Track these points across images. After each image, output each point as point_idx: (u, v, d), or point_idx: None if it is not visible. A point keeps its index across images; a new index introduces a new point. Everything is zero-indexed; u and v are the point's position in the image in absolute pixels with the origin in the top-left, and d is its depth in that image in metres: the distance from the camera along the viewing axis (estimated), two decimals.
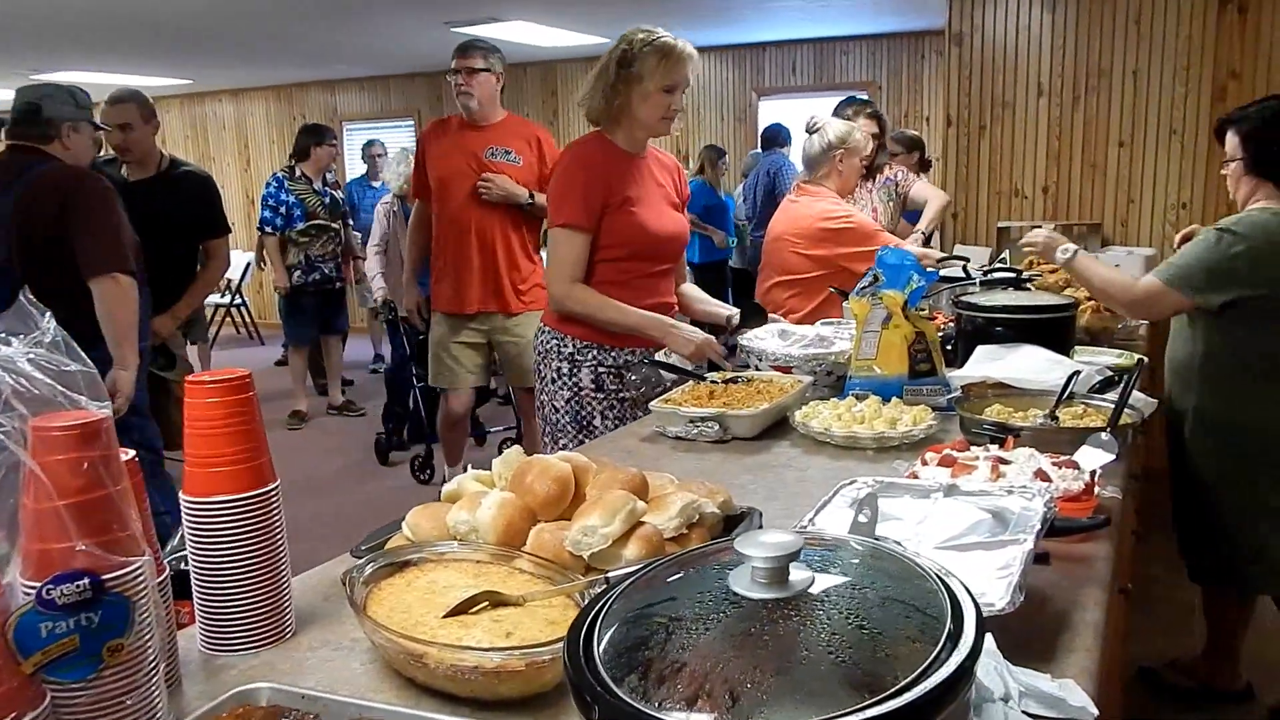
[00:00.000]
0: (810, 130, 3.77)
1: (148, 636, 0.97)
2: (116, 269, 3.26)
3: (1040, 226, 3.41)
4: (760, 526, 1.50)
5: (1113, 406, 2.00)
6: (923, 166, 5.99)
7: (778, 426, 2.32)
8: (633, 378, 2.80)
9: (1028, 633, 1.23)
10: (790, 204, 3.77)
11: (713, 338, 2.77)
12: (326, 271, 7.17)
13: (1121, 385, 2.09)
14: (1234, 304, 2.72)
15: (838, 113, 4.76)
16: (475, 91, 4.31)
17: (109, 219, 3.32)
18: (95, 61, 9.05)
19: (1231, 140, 2.84)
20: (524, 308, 4.51)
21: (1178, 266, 2.76)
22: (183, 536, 1.23)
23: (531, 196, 4.35)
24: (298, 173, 7.05)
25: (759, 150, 8.60)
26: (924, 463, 1.76)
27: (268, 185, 7.03)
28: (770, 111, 9.57)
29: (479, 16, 7.37)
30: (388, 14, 7.36)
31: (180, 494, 1.20)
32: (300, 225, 6.94)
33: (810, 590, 0.77)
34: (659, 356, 2.77)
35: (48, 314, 0.99)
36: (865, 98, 6.07)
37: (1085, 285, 3.00)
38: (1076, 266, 2.90)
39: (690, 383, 2.54)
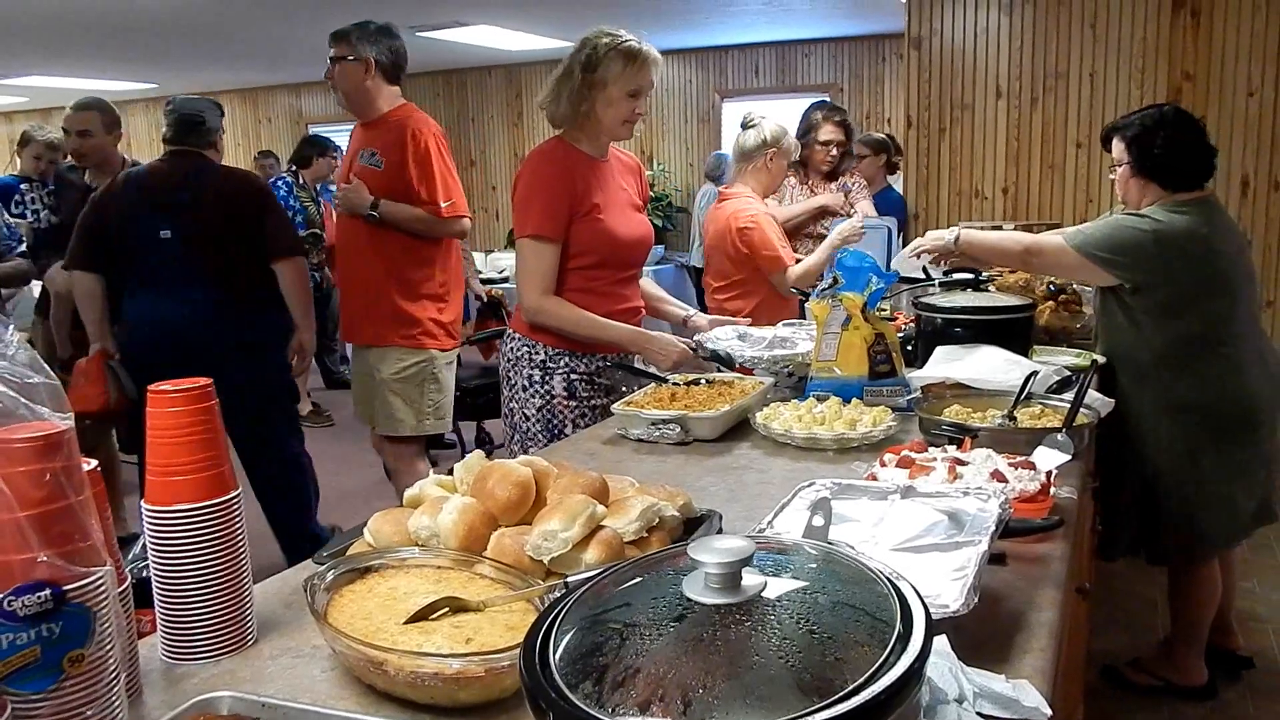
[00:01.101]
0: (746, 125, 3.86)
1: (109, 647, 0.97)
2: (299, 252, 3.88)
3: (1000, 227, 3.47)
4: (720, 529, 1.51)
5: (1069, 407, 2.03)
6: (890, 169, 6.02)
7: (739, 428, 2.33)
8: (622, 374, 2.79)
9: (983, 634, 1.24)
10: (715, 210, 3.87)
11: (689, 349, 2.77)
12: (317, 280, 7.12)
13: (1077, 385, 2.12)
14: (1142, 292, 2.85)
15: (808, 114, 4.80)
16: (339, 84, 3.70)
17: (285, 212, 4.07)
18: (58, 66, 8.95)
19: (1118, 146, 3.02)
20: (396, 343, 3.67)
21: (1084, 232, 2.95)
22: (144, 545, 1.23)
23: (375, 206, 3.53)
24: (301, 180, 7.06)
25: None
26: (883, 464, 1.78)
27: (276, 188, 6.94)
28: (733, 114, 9.62)
29: (444, 21, 7.35)
30: (352, 18, 7.29)
31: (141, 502, 1.21)
32: (301, 232, 6.89)
33: (762, 595, 0.79)
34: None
35: (10, 327, 0.99)
36: (828, 100, 6.09)
37: (982, 255, 3.15)
38: (966, 242, 3.05)
39: (652, 385, 2.56)
